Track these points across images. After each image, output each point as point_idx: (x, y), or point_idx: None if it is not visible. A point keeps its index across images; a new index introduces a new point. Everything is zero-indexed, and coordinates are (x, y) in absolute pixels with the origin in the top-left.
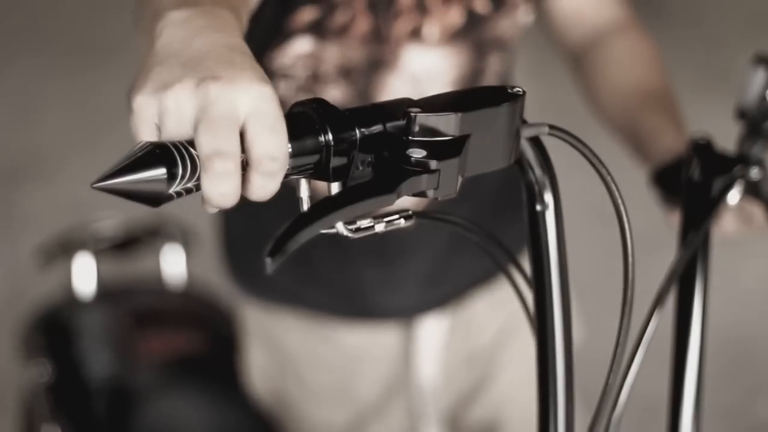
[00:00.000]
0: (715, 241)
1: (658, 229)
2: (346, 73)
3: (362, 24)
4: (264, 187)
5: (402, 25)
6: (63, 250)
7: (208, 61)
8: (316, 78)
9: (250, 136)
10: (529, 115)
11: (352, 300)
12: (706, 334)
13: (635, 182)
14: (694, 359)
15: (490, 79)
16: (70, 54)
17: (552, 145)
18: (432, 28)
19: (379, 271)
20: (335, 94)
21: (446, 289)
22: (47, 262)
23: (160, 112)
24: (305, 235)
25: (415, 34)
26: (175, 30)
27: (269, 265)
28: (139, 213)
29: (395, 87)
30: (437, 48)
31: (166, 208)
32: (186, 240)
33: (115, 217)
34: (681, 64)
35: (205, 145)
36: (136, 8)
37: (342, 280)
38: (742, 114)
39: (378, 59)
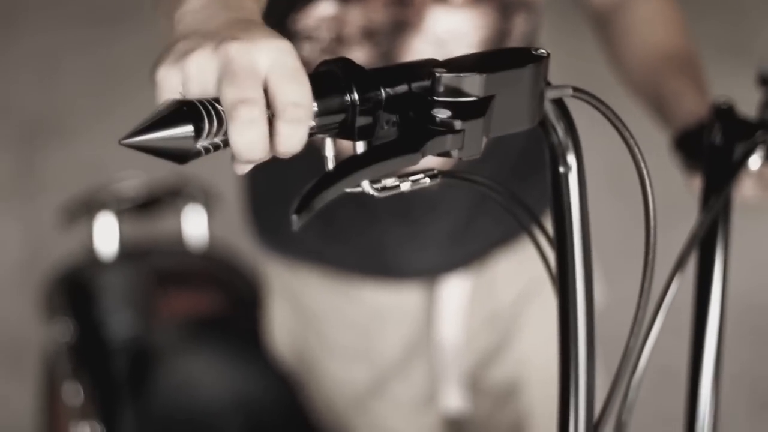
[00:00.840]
0: (737, 208)
1: (681, 198)
2: (369, 35)
3: None
4: (291, 136)
5: None
6: (85, 210)
7: (225, 31)
8: (339, 40)
9: (272, 87)
10: (557, 82)
11: (376, 258)
12: (727, 298)
13: (659, 150)
14: (714, 324)
15: (515, 40)
16: (91, 16)
17: (575, 109)
18: None
19: (403, 230)
20: (359, 56)
21: (469, 249)
22: (69, 222)
23: (183, 81)
24: (331, 194)
25: None
26: (195, 15)
27: (295, 222)
28: (161, 173)
29: (419, 49)
30: (462, 9)
31: (188, 168)
32: (207, 201)
33: (137, 177)
34: (704, 34)
35: (228, 96)
36: None
37: (366, 238)
38: (764, 80)
39: (402, 21)
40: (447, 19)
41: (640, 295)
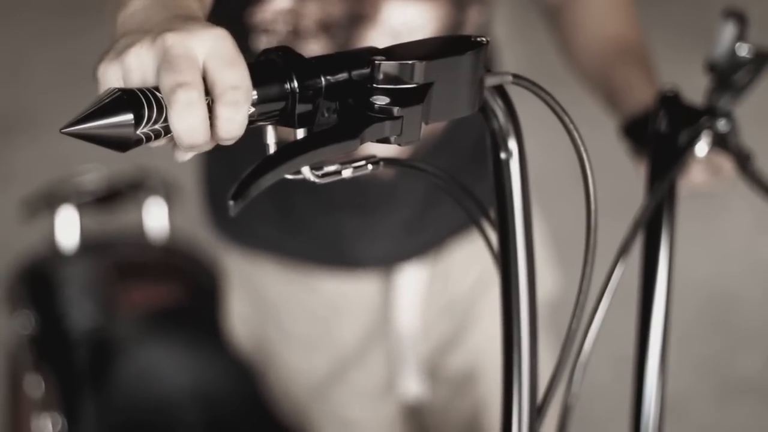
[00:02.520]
0: (692, 196)
1: (637, 189)
2: (326, 27)
3: None
4: (231, 120)
5: None
6: (46, 203)
7: (164, 25)
8: (296, 33)
9: (210, 72)
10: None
11: (333, 248)
12: (672, 283)
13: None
14: (660, 308)
15: (470, 31)
16: (59, 12)
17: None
18: None
19: (359, 220)
20: (315, 48)
21: (425, 239)
22: (31, 215)
23: (123, 74)
24: (269, 179)
25: None
26: (135, 17)
27: (232, 208)
28: (122, 166)
29: (375, 41)
30: (417, 2)
31: (149, 161)
32: (168, 193)
33: (98, 170)
34: (662, 23)
35: (166, 81)
36: None
37: (322, 228)
38: (711, 67)
39: (358, 14)
40: (402, 11)
41: (582, 281)
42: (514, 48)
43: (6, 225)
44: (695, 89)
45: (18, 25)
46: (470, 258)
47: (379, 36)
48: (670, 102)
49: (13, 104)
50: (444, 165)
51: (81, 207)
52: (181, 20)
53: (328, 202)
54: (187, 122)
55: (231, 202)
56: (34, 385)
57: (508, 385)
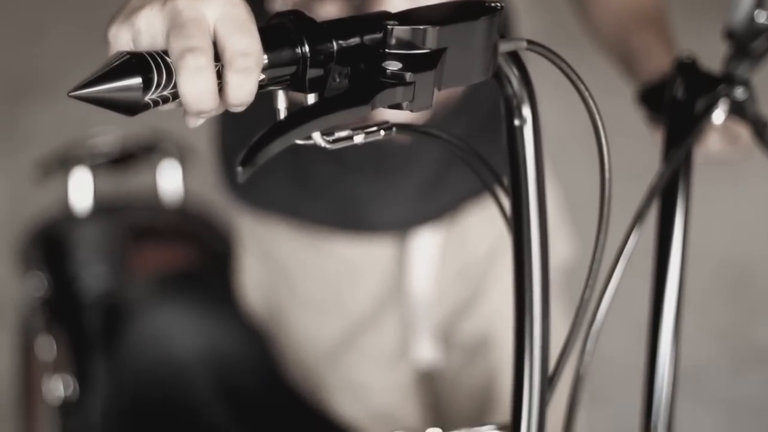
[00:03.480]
0: (709, 163)
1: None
2: None
3: None
4: (240, 86)
5: None
6: (60, 165)
7: None
8: None
9: (220, 37)
10: (531, 38)
11: (347, 212)
12: (687, 251)
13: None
14: (675, 276)
15: None
16: None
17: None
18: None
19: (374, 184)
20: (332, 10)
21: (441, 203)
22: (45, 177)
23: (133, 36)
24: (279, 145)
25: None
26: None
27: (240, 174)
28: (137, 129)
29: (392, 4)
30: None
31: (163, 123)
32: (183, 156)
33: (112, 132)
34: None
35: (175, 46)
36: None
37: (337, 192)
38: (729, 34)
39: None
40: None
41: (595, 248)
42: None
43: (20, 186)
44: (713, 56)
45: None
46: (486, 223)
47: None
48: (687, 69)
49: (31, 67)
50: (460, 131)
51: (95, 169)
52: None
53: (343, 166)
54: (196, 88)
55: (239, 168)
56: (46, 348)
57: (520, 354)
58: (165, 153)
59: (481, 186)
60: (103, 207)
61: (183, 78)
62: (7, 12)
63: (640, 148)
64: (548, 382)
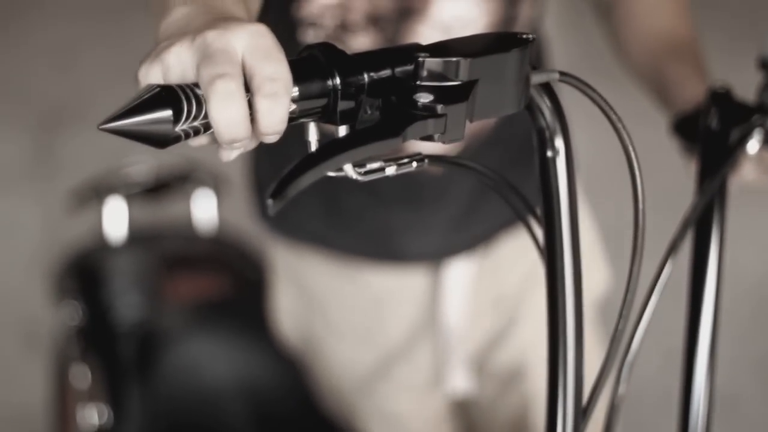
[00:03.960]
0: (741, 190)
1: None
2: (374, 21)
3: None
4: (271, 112)
5: None
6: (95, 194)
7: (203, 25)
8: (344, 27)
9: (249, 65)
10: (566, 68)
11: (380, 243)
12: (722, 281)
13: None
14: (710, 306)
15: (522, 25)
16: (110, 6)
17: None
18: None
19: (408, 215)
20: (364, 42)
21: (474, 233)
22: (79, 206)
23: (163, 73)
24: (309, 178)
25: None
26: (177, 23)
27: (271, 207)
28: (171, 158)
29: (425, 35)
30: None
31: (197, 153)
32: (217, 185)
33: (146, 162)
34: (714, 23)
35: (205, 74)
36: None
37: (370, 222)
38: (763, 64)
39: (407, 7)
40: (453, 5)
41: (629, 279)
42: (563, 41)
43: (55, 216)
44: (746, 86)
45: (74, 21)
46: (519, 253)
47: (428, 30)
48: (722, 99)
49: (65, 96)
50: (492, 163)
51: (129, 198)
52: (221, 20)
53: (377, 197)
54: (227, 114)
55: (270, 201)
56: (81, 376)
57: (554, 384)
58: (199, 182)
59: (514, 216)
60: (137, 236)
61: (214, 105)
62: (43, 39)
63: (672, 177)
64: (582, 413)
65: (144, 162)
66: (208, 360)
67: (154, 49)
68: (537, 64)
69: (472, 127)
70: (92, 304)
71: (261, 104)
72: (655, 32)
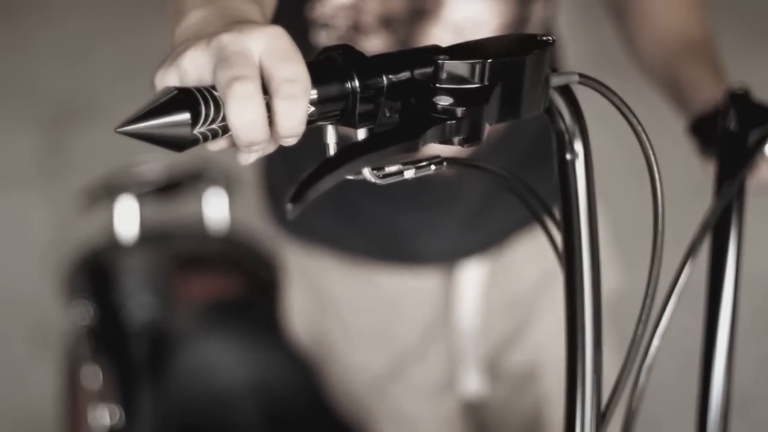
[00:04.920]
0: (757, 192)
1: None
2: (387, 23)
3: None
4: (289, 114)
5: None
6: (106, 193)
7: (219, 29)
8: (356, 28)
9: (266, 68)
10: (579, 68)
11: (394, 244)
12: (740, 285)
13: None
14: (728, 309)
15: (535, 26)
16: (122, 2)
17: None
18: None
19: (421, 216)
20: (376, 44)
21: (487, 235)
22: (91, 205)
23: (180, 78)
24: (329, 182)
25: None
26: (193, 28)
27: (290, 211)
28: (183, 157)
29: (437, 37)
30: None
31: (209, 152)
32: (229, 184)
33: (158, 160)
34: (723, 28)
35: (222, 77)
36: (162, 3)
37: (384, 224)
38: None
39: (420, 9)
40: (465, 6)
41: (648, 282)
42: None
43: (66, 214)
44: (758, 90)
45: (85, 17)
46: (532, 255)
47: (441, 32)
48: (740, 100)
49: (76, 93)
50: (505, 165)
51: (141, 197)
52: (237, 23)
53: (390, 199)
54: (245, 116)
55: (289, 205)
56: (92, 377)
57: (572, 388)
58: (211, 181)
59: (527, 218)
60: (149, 235)
61: (231, 106)
62: (53, 35)
63: (690, 179)
64: (601, 418)
65: (156, 160)
66: (219, 360)
67: (170, 54)
68: (555, 66)
69: (486, 131)
70: (103, 304)
71: (279, 106)
72: (669, 31)
